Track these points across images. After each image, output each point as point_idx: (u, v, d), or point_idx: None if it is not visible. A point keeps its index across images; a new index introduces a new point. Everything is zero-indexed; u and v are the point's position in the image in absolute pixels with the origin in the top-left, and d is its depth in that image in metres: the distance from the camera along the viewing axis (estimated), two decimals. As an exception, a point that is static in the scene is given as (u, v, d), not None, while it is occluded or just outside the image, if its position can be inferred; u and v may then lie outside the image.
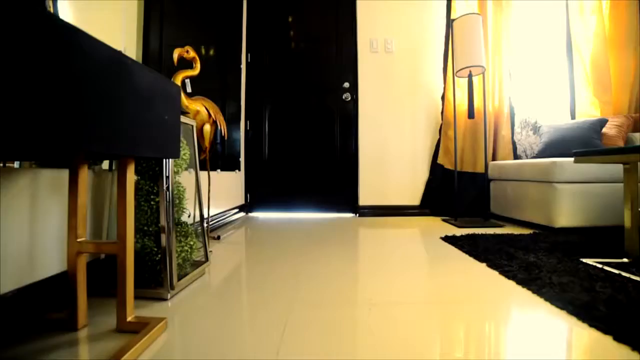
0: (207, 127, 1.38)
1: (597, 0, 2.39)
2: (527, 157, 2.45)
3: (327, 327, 0.74)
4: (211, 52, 2.50)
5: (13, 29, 0.35)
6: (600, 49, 2.36)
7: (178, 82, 1.23)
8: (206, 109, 1.38)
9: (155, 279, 0.94)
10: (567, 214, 1.74)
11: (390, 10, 2.64)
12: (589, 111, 2.42)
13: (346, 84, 2.68)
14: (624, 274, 1.00)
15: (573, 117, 2.55)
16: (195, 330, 0.73)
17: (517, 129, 2.58)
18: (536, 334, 0.70)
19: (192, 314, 0.81)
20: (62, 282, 0.82)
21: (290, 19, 2.80)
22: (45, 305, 0.78)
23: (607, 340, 0.66)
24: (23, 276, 0.73)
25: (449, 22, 2.47)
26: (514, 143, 2.54)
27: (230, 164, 2.43)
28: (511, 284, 1.00)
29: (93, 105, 0.47)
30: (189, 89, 1.37)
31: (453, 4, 2.52)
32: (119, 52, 0.53)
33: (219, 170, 2.07)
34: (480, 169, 2.48)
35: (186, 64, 1.27)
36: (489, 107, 2.48)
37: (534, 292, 0.92)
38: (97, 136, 0.48)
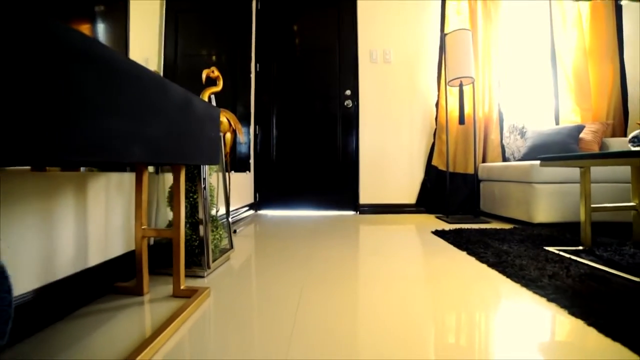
0: (228, 136, 1.60)
1: (577, 16, 2.60)
2: (514, 160, 2.66)
3: (333, 293, 0.96)
4: (224, 62, 2.73)
5: (146, 86, 0.58)
6: (580, 60, 2.57)
7: (205, 97, 1.45)
8: (227, 119, 1.60)
9: (193, 261, 1.17)
10: (544, 210, 1.96)
11: (388, 23, 2.86)
12: (571, 117, 2.63)
13: (348, 92, 2.90)
14: (573, 257, 1.22)
15: (557, 123, 2.75)
16: (232, 297, 0.96)
17: (506, 133, 2.79)
18: (495, 298, 0.92)
19: (226, 287, 1.04)
20: (124, 261, 1.05)
21: (295, 28, 3.02)
22: (114, 277, 1.01)
23: (542, 301, 0.88)
24: (100, 254, 0.96)
25: (442, 36, 2.69)
26: (502, 146, 2.75)
27: (241, 166, 2.67)
28: (483, 266, 1.22)
29: (175, 131, 0.70)
30: (213, 103, 1.60)
31: (446, 18, 2.73)
32: (188, 92, 0.76)
33: (232, 172, 2.31)
34: (471, 170, 2.70)
35: (211, 81, 1.50)
36: (479, 113, 2.70)
37: (499, 271, 1.14)
38: (181, 153, 0.71)
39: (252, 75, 2.89)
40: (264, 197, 2.96)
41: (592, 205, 1.35)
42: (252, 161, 2.87)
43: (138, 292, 0.96)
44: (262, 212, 2.93)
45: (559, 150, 2.25)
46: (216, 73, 1.49)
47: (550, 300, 0.87)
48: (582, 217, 1.36)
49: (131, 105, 0.54)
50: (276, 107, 2.99)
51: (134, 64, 0.55)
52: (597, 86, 2.58)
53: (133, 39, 1.37)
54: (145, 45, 1.75)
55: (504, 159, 2.71)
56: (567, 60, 2.64)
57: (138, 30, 1.61)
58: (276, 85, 2.98)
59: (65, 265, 0.82)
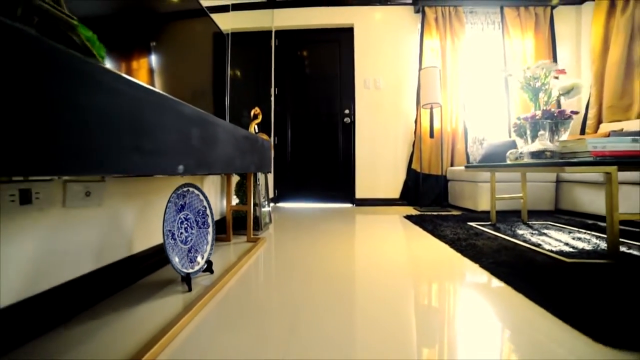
0: (265, 150, 2.43)
1: (523, 52, 3.39)
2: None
3: (334, 243, 1.79)
4: (252, 87, 3.57)
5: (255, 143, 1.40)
6: (525, 88, 3.35)
7: (252, 126, 2.27)
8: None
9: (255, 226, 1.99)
10: (484, 201, 2.75)
11: (379, 57, 3.65)
12: (518, 132, 3.41)
13: (347, 111, 3.71)
14: (478, 227, 2.02)
15: (510, 136, 3.53)
16: (277, 243, 1.79)
17: (470, 143, 3.58)
18: (420, 243, 1.74)
19: (272, 239, 1.87)
20: (218, 225, 1.88)
21: (305, 60, 3.84)
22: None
23: (442, 243, 1.69)
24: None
25: (419, 69, 3.48)
26: (467, 154, 3.54)
27: (265, 168, 3.49)
28: (424, 233, 2.03)
29: (261, 156, 1.53)
30: (256, 130, 2.42)
31: (423, 54, 3.52)
32: (263, 139, 1.59)
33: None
34: (443, 172, 3.49)
35: (255, 116, 2.32)
36: (448, 128, 3.49)
37: (431, 234, 1.94)
38: (261, 167, 1.54)
39: (272, 98, 3.71)
40: (281, 192, 3.79)
41: (496, 196, 2.15)
42: (272, 164, 3.69)
43: (227, 239, 1.79)
44: (279, 204, 3.75)
45: (503, 157, 3.03)
46: (258, 110, 2.31)
47: (445, 243, 1.68)
48: (491, 203, 2.16)
49: (251, 149, 1.37)
50: (290, 121, 3.81)
51: (254, 135, 1.37)
52: (538, 108, 3.35)
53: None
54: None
55: (468, 164, 3.50)
56: (516, 88, 3.42)
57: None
58: (290, 104, 3.80)
59: (199, 222, 1.65)
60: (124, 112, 0.53)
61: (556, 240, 1.64)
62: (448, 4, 3.50)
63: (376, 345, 0.74)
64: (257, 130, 2.36)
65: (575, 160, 1.34)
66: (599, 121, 3.12)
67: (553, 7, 3.44)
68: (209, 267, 1.21)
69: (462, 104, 3.51)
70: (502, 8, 3.50)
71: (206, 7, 1.65)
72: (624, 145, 1.33)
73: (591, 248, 1.46)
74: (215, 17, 1.86)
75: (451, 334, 0.80)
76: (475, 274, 1.22)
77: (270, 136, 3.65)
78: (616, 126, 2.74)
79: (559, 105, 3.26)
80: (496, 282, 1.12)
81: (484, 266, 1.26)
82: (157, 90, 0.64)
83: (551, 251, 1.42)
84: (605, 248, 1.42)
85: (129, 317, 0.86)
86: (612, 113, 2.98)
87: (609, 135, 2.62)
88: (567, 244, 1.54)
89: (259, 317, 0.88)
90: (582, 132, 3.32)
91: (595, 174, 2.33)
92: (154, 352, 0.68)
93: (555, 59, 3.40)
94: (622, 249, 1.42)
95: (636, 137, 1.32)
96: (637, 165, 1.22)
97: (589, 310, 0.83)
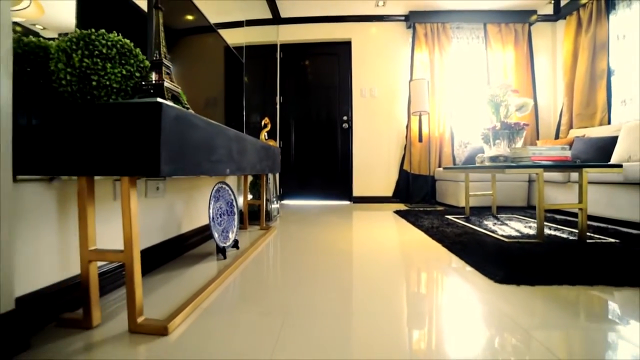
0: (273, 154, 2.82)
1: (504, 64, 3.78)
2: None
3: (334, 231, 2.18)
4: (258, 97, 3.97)
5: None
6: (505, 97, 3.73)
7: (262, 136, 2.67)
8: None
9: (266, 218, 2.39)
10: (465, 198, 3.13)
11: (375, 68, 4.04)
12: (499, 136, 3.79)
13: (345, 117, 4.10)
14: (453, 219, 2.41)
15: (492, 139, 3.91)
16: (285, 230, 2.18)
17: (457, 146, 3.96)
18: (403, 230, 2.13)
19: (280, 227, 2.26)
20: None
21: (307, 70, 4.23)
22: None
23: (420, 232, 2.08)
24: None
25: (410, 81, 3.86)
26: (454, 156, 3.92)
27: (271, 169, 3.89)
28: (408, 224, 2.41)
29: (273, 161, 1.92)
30: (266, 137, 2.82)
31: (414, 66, 3.91)
32: (274, 147, 1.98)
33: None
34: (431, 173, 3.87)
35: (265, 125, 2.71)
36: (436, 133, 3.87)
37: (412, 225, 2.33)
38: (273, 170, 1.93)
39: (277, 106, 4.11)
40: (285, 191, 4.18)
41: (470, 193, 2.53)
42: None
43: (244, 228, 2.19)
44: (284, 202, 4.15)
45: (483, 160, 3.41)
46: (268, 120, 2.71)
47: (421, 230, 2.07)
48: (465, 199, 2.54)
49: (266, 155, 1.76)
50: (294, 126, 4.20)
51: (267, 144, 1.77)
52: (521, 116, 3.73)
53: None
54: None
55: (455, 165, 3.88)
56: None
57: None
58: (293, 110, 4.19)
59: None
60: (205, 139, 0.92)
61: (511, 228, 2.03)
62: (436, 20, 3.89)
63: (362, 289, 1.13)
64: (266, 137, 2.75)
65: (514, 164, 1.73)
66: (570, 127, 3.50)
67: (530, 24, 3.82)
68: (235, 245, 1.60)
69: (449, 111, 3.90)
70: (485, 24, 3.89)
71: (222, 22, 2.06)
72: (556, 152, 1.72)
73: (533, 233, 1.85)
74: (231, 32, 2.26)
75: (412, 280, 1.19)
76: (436, 250, 1.61)
77: (276, 140, 4.04)
78: (580, 132, 3.11)
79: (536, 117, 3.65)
80: (448, 254, 1.51)
81: (444, 245, 1.65)
82: (217, 123, 1.04)
83: (501, 235, 1.81)
84: (547, 233, 1.80)
85: (190, 272, 1.26)
86: (580, 120, 3.35)
87: (572, 141, 3.01)
88: (517, 231, 1.93)
89: (275, 275, 1.28)
90: (557, 137, 3.70)
91: (557, 175, 2.71)
92: (212, 288, 1.08)
93: (533, 71, 3.79)
94: (554, 232, 1.81)
95: (565, 146, 1.71)
96: (557, 168, 1.61)
97: (498, 267, 1.22)
